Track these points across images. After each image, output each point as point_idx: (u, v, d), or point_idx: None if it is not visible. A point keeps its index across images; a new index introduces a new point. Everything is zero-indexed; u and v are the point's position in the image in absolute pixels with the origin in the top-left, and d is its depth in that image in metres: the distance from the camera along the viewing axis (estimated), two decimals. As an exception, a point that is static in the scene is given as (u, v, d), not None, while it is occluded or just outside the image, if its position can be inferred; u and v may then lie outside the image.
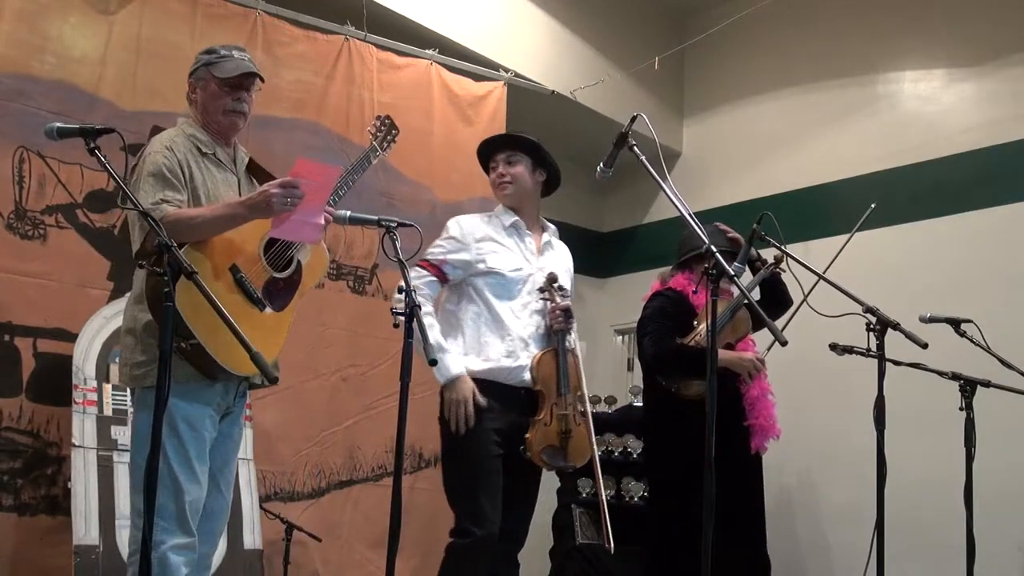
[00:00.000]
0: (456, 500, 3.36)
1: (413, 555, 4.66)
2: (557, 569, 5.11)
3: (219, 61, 2.87)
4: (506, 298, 3.44)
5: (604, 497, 3.29)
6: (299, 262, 2.90)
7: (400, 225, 2.81)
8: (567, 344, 3.41)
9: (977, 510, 3.46)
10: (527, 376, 3.39)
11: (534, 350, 3.42)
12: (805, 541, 5.41)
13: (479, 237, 3.48)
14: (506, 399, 3.36)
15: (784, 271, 3.95)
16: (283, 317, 2.86)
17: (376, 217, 2.82)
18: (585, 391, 3.39)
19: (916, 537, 4.48)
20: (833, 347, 3.61)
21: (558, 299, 3.41)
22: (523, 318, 3.44)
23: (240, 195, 2.85)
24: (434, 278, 3.42)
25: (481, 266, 3.44)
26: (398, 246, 2.74)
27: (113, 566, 3.55)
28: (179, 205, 2.68)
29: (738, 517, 3.76)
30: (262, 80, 2.95)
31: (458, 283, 3.50)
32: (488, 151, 3.63)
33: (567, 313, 3.40)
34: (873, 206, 3.98)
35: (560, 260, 3.65)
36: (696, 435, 3.76)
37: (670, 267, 4.24)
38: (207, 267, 2.65)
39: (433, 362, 2.61)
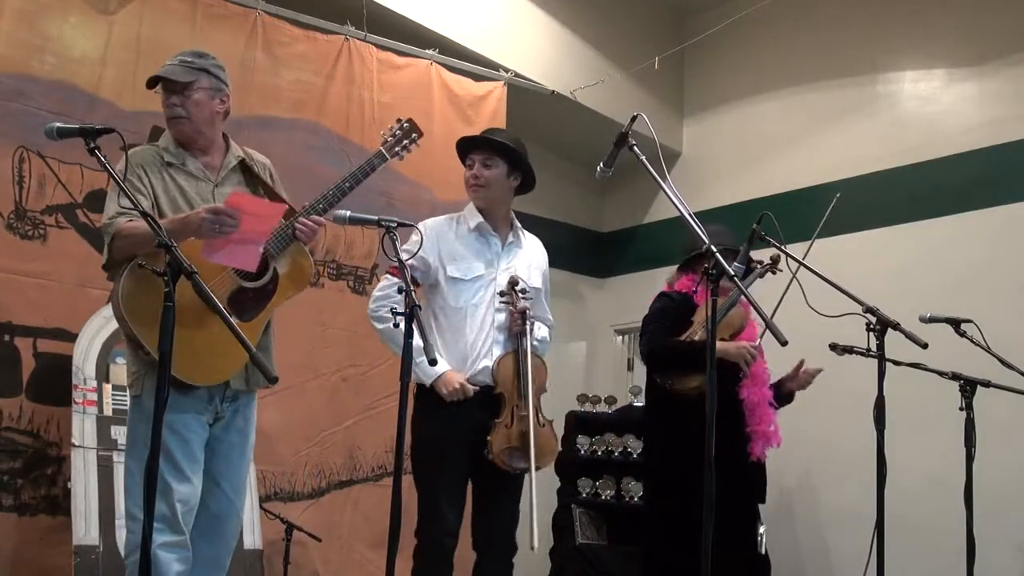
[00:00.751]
0: (419, 498, 3.40)
1: (413, 555, 4.66)
2: (557, 569, 5.12)
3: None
4: (467, 302, 3.47)
5: (535, 500, 3.29)
6: (275, 271, 2.87)
7: (400, 225, 2.80)
8: (525, 346, 3.42)
9: (977, 510, 3.46)
10: (489, 379, 3.43)
11: (496, 352, 3.45)
12: (805, 542, 5.41)
13: (442, 242, 3.51)
14: (473, 399, 3.39)
15: (781, 271, 3.95)
16: (251, 328, 2.82)
17: (376, 217, 2.81)
18: (531, 394, 3.38)
19: (916, 538, 4.48)
20: (833, 347, 3.61)
21: (517, 302, 3.43)
22: (485, 321, 3.47)
23: (214, 202, 2.85)
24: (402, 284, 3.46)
25: (442, 271, 3.48)
26: (398, 246, 2.74)
27: (113, 566, 3.55)
28: (134, 215, 2.68)
29: (737, 520, 3.76)
30: (171, 81, 2.89)
31: (424, 287, 3.54)
32: (466, 148, 3.63)
33: (524, 316, 3.42)
34: (838, 195, 3.98)
35: (528, 256, 3.65)
36: (693, 435, 3.77)
37: (676, 269, 4.25)
38: (149, 283, 2.59)
39: (433, 362, 2.60)
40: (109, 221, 2.72)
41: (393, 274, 3.43)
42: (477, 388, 3.39)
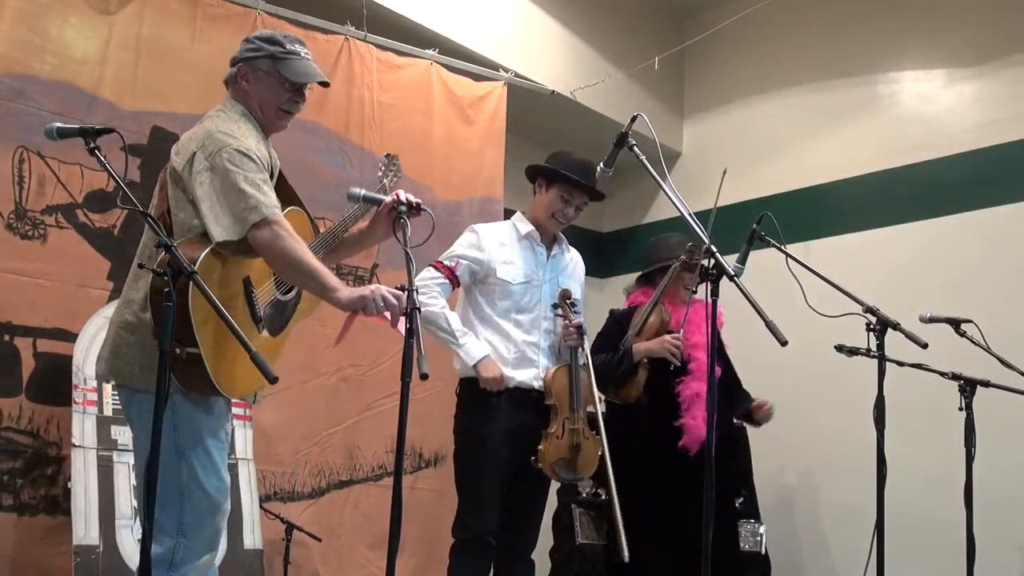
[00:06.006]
0: (459, 495, 3.47)
1: (413, 555, 4.66)
2: (557, 569, 5.11)
3: (288, 58, 2.70)
4: (514, 308, 3.53)
5: (617, 506, 3.27)
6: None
7: (412, 209, 2.74)
8: (581, 360, 3.46)
9: (977, 510, 3.46)
10: (536, 384, 3.49)
11: (541, 360, 3.47)
12: (805, 541, 5.41)
13: (494, 246, 3.57)
14: (515, 400, 3.46)
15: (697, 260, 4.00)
16: (277, 342, 2.78)
17: (389, 198, 2.76)
18: (599, 406, 3.42)
19: (916, 537, 4.48)
20: (839, 349, 3.62)
21: (571, 316, 3.47)
22: (529, 328, 3.50)
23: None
24: (446, 280, 3.50)
25: (491, 275, 3.53)
26: (408, 233, 2.65)
27: (113, 566, 3.55)
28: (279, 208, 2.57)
29: (683, 514, 3.76)
30: (327, 86, 2.86)
31: (468, 290, 3.56)
32: (570, 180, 3.61)
33: (580, 330, 3.46)
34: (725, 170, 3.98)
35: (570, 270, 3.75)
36: (636, 437, 3.83)
37: (635, 280, 4.30)
38: (220, 274, 2.53)
39: (424, 376, 2.44)
40: (271, 208, 2.52)
41: (436, 267, 3.47)
42: (511, 388, 3.46)
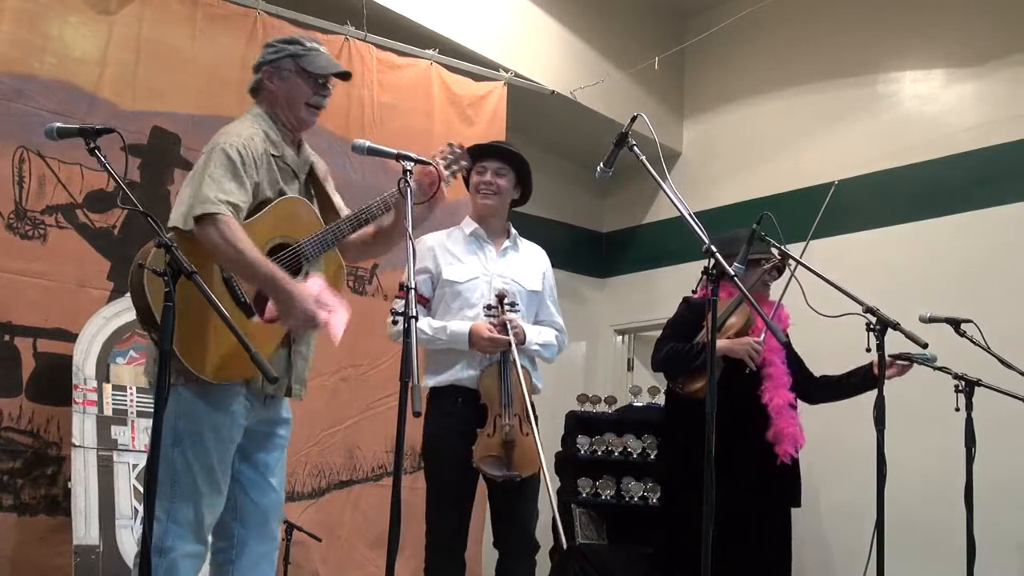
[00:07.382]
0: (426, 499, 3.47)
1: (413, 555, 4.64)
2: (557, 569, 5.12)
3: (308, 54, 2.84)
4: (465, 306, 3.50)
5: (554, 502, 3.19)
6: (307, 274, 2.77)
7: (418, 162, 2.73)
8: (511, 357, 3.41)
9: (977, 510, 3.46)
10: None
11: (495, 358, 3.46)
12: (805, 541, 5.39)
13: (440, 250, 3.57)
14: (467, 402, 3.44)
15: (790, 267, 3.96)
16: (274, 329, 2.72)
17: (395, 151, 2.73)
18: (528, 403, 3.35)
19: (916, 537, 4.48)
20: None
21: (502, 315, 3.44)
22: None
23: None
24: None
25: (441, 277, 3.54)
26: (412, 190, 2.63)
27: (113, 566, 3.55)
28: (240, 206, 2.60)
29: (762, 522, 3.77)
30: (348, 77, 3.00)
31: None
32: (477, 156, 3.63)
33: (504, 328, 3.42)
34: (836, 182, 3.94)
35: (525, 261, 3.67)
36: (692, 435, 3.78)
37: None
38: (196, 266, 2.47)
39: (417, 414, 2.32)
40: (217, 202, 2.54)
41: (402, 296, 3.46)
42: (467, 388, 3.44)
